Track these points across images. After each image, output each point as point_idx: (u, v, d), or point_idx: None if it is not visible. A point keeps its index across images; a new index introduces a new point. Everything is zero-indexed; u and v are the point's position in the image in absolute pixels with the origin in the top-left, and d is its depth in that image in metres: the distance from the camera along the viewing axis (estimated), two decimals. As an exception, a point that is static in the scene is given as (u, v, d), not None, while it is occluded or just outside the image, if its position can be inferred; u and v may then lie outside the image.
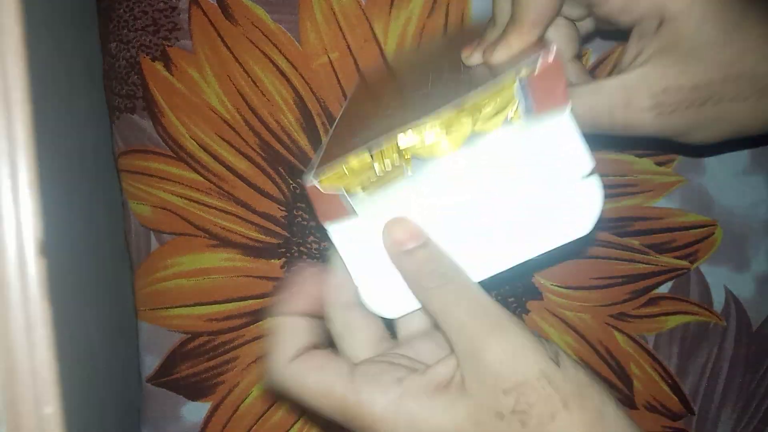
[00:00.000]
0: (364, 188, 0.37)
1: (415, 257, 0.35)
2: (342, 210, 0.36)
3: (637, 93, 0.37)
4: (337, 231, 0.36)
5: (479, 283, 0.35)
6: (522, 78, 0.34)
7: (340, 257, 0.37)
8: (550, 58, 0.34)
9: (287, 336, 0.37)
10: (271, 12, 0.52)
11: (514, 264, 0.36)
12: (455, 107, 0.34)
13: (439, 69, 0.44)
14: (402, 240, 0.36)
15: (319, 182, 0.36)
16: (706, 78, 0.37)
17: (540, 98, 0.34)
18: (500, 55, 0.39)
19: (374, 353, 0.37)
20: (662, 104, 0.37)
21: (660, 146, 0.52)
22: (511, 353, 0.32)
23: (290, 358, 0.36)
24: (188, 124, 0.53)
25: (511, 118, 0.35)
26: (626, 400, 0.54)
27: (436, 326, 0.37)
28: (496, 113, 0.35)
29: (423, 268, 0.35)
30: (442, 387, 0.33)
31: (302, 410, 0.54)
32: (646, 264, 0.53)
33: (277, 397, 0.49)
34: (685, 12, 0.36)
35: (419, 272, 0.35)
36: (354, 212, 0.36)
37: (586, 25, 0.43)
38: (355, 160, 0.36)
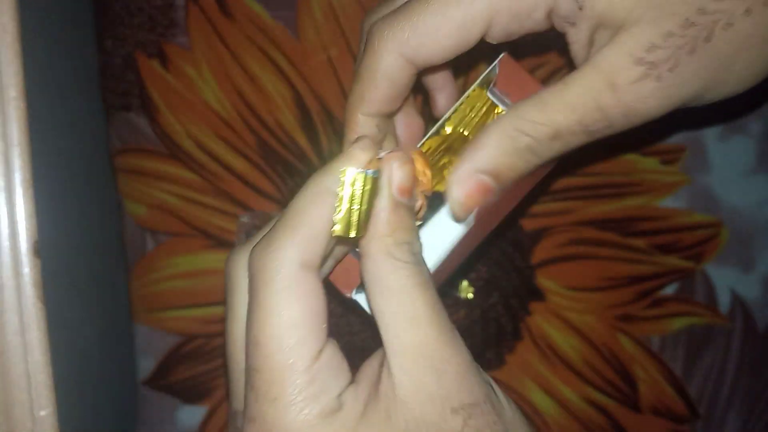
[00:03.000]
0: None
1: (399, 214, 0.30)
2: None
3: (617, 67, 0.29)
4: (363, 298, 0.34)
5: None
6: (491, 87, 0.35)
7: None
8: (504, 57, 0.35)
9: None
10: (269, 8, 0.52)
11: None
12: (436, 134, 0.36)
13: None
14: (401, 185, 0.30)
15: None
16: (698, 4, 0.28)
17: (516, 94, 0.35)
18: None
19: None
20: (655, 64, 0.29)
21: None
22: (464, 369, 0.29)
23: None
24: (185, 122, 0.52)
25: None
26: (631, 403, 0.53)
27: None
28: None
29: (400, 231, 0.30)
30: (373, 401, 0.29)
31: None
32: (651, 265, 0.53)
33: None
34: None
35: (394, 232, 0.30)
36: None
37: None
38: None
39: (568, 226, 0.52)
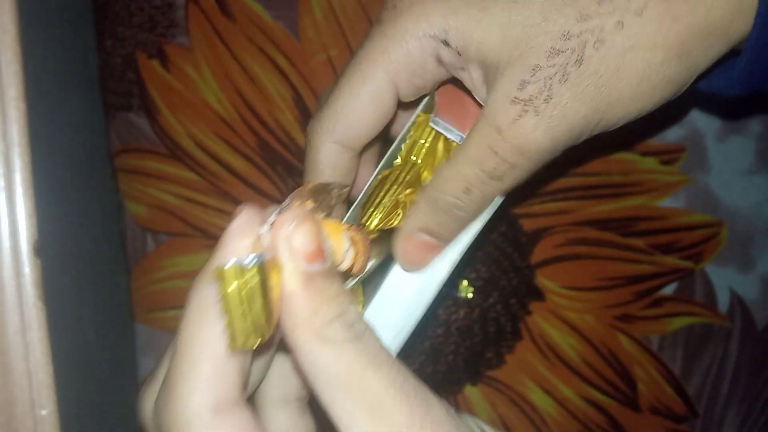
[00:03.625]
0: None
1: (315, 287, 0.24)
2: None
3: (498, 110, 0.30)
4: None
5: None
6: (432, 117, 0.36)
7: None
8: (440, 87, 0.35)
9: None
10: (269, 8, 0.52)
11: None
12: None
13: None
14: (304, 251, 0.24)
15: None
16: (561, 30, 0.28)
17: (459, 119, 0.36)
18: None
19: None
20: (529, 99, 0.29)
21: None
22: None
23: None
24: (185, 122, 0.52)
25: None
26: (630, 402, 0.53)
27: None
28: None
29: (325, 307, 0.24)
30: None
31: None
32: (650, 265, 0.53)
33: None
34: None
35: (317, 311, 0.24)
36: None
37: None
38: None
39: (568, 226, 0.52)
